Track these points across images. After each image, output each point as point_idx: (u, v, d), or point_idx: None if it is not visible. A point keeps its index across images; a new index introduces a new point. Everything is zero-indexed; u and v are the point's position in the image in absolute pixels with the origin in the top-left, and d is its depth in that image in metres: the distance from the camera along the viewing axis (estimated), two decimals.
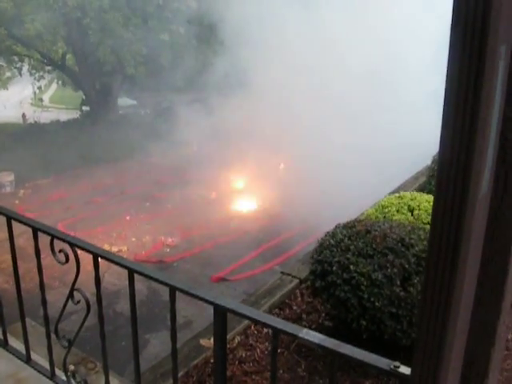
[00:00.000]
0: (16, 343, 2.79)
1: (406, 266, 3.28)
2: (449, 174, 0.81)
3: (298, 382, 3.48)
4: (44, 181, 11.86)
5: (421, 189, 6.86)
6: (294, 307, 4.49)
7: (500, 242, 0.88)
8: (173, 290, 1.79)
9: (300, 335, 1.48)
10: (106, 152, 13.92)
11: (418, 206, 4.66)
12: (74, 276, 2.13)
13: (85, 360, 3.27)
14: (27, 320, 2.63)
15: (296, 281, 4.86)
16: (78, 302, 2.13)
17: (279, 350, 3.63)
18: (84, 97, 19.12)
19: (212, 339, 3.75)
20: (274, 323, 1.57)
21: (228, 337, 3.75)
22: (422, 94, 10.43)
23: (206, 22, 14.67)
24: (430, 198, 4.83)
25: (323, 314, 4.24)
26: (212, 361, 3.64)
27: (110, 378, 2.30)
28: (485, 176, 0.81)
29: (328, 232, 3.91)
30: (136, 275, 1.94)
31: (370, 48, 11.41)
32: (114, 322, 5.62)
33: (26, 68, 18.57)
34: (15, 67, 17.96)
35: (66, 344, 2.27)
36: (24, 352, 2.60)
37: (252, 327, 4.09)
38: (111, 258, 2.00)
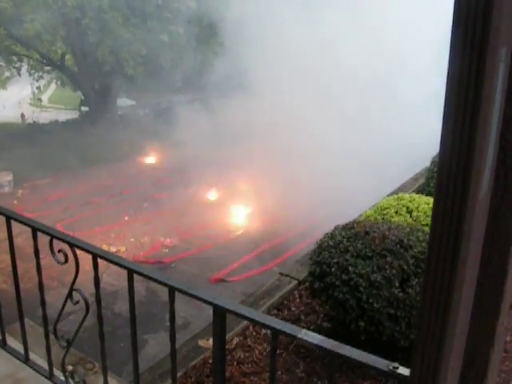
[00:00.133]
0: (14, 343, 2.79)
1: (405, 267, 3.28)
2: (449, 175, 0.81)
3: (297, 383, 3.48)
4: (43, 181, 11.84)
5: (420, 190, 6.87)
6: (293, 308, 4.49)
7: (500, 242, 0.88)
8: (172, 290, 1.79)
9: (299, 336, 1.48)
10: (105, 152, 13.92)
11: (417, 207, 4.66)
12: (72, 276, 2.13)
13: (83, 360, 3.27)
14: (26, 320, 2.63)
15: (295, 282, 4.86)
16: (77, 302, 2.13)
17: (278, 351, 3.63)
18: (83, 97, 19.13)
19: (210, 340, 3.76)
20: (273, 324, 1.57)
21: (226, 338, 3.75)
22: (423, 95, 10.44)
23: (206, 22, 14.69)
24: (429, 199, 4.84)
25: (322, 315, 4.24)
26: (210, 362, 3.64)
27: (109, 379, 2.29)
28: (485, 176, 0.81)
29: (327, 233, 3.91)
30: (135, 275, 1.94)
31: (369, 49, 11.42)
32: (113, 323, 5.61)
33: (25, 68, 18.56)
34: (14, 67, 17.94)
35: (65, 344, 2.27)
36: (22, 352, 2.60)
37: (250, 328, 4.09)
38: (110, 259, 2.00)
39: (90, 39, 14.41)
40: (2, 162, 11.81)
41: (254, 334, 4.04)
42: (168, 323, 1.90)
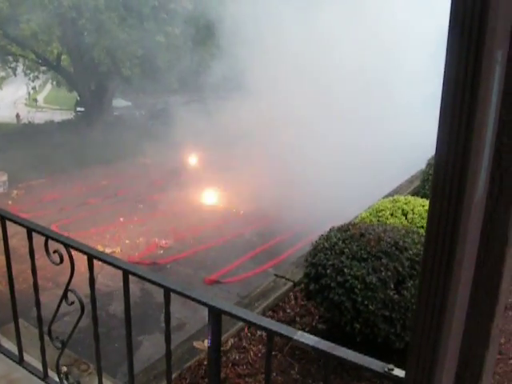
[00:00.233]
0: (8, 344, 2.77)
1: (400, 269, 3.28)
2: (445, 176, 0.81)
3: None
4: (37, 181, 11.81)
5: (415, 193, 6.88)
6: (288, 310, 4.49)
7: (495, 244, 0.88)
8: (167, 291, 1.78)
9: (295, 337, 1.48)
10: (100, 153, 13.90)
11: (412, 209, 4.68)
12: (67, 277, 2.12)
13: (78, 361, 3.26)
14: (20, 321, 2.61)
15: (290, 283, 4.86)
16: (72, 303, 2.12)
17: (273, 353, 3.63)
18: (78, 98, 19.10)
19: (205, 341, 3.75)
20: (268, 325, 1.57)
21: (221, 339, 3.75)
22: (420, 96, 10.46)
23: (202, 23, 14.69)
24: (424, 201, 4.85)
25: (317, 317, 4.24)
26: (205, 363, 3.63)
27: (103, 380, 2.29)
28: (481, 178, 0.82)
29: (322, 235, 3.91)
30: (130, 276, 1.93)
31: (367, 50, 11.44)
32: (107, 324, 5.60)
33: (20, 68, 18.52)
34: (10, 67, 17.91)
35: (60, 345, 2.26)
36: (17, 353, 2.58)
37: (245, 329, 4.08)
38: (106, 259, 1.99)
39: (86, 40, 14.40)
40: None
41: (249, 335, 4.04)
42: (163, 324, 1.90)
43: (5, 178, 11.37)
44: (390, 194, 6.59)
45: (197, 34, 15.02)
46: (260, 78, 11.56)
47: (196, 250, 8.12)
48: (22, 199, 10.74)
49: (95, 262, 2.04)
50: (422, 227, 4.36)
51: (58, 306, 2.19)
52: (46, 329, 2.36)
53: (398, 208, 4.71)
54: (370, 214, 4.77)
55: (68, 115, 20.80)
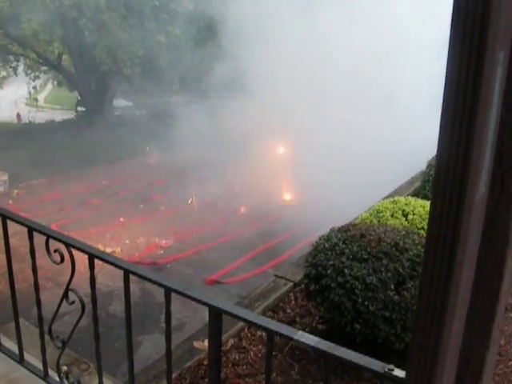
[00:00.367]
0: (9, 343, 2.78)
1: (400, 270, 3.29)
2: (446, 177, 0.82)
3: None
4: (38, 181, 11.81)
5: (415, 194, 6.89)
6: (288, 310, 4.50)
7: (496, 245, 0.89)
8: (168, 291, 1.78)
9: (295, 337, 1.48)
10: (101, 153, 13.89)
11: (413, 210, 4.68)
12: (67, 277, 2.12)
13: (78, 361, 3.26)
14: (20, 320, 2.62)
15: (290, 284, 4.86)
16: (73, 302, 2.13)
17: (273, 353, 3.63)
18: (79, 97, 19.10)
19: (205, 341, 3.75)
20: (268, 325, 1.57)
21: (221, 339, 3.75)
22: (422, 98, 10.45)
23: (203, 23, 14.70)
24: (425, 202, 4.86)
25: (317, 318, 4.25)
26: (205, 363, 3.63)
27: (103, 380, 2.29)
28: (482, 179, 0.82)
29: (323, 236, 3.91)
30: (130, 276, 1.93)
31: (369, 52, 11.44)
32: (107, 324, 5.59)
33: (21, 68, 18.52)
34: (11, 67, 17.91)
35: (60, 344, 2.27)
36: (17, 352, 2.59)
37: (245, 330, 4.08)
38: (106, 259, 2.00)
39: (87, 39, 14.39)
40: None
41: (249, 335, 4.04)
42: (163, 324, 1.90)
43: (5, 177, 11.37)
44: (391, 195, 6.60)
45: (198, 33, 15.02)
46: (261, 79, 11.56)
47: (196, 250, 8.12)
48: (23, 199, 10.74)
49: (96, 261, 2.04)
50: (423, 228, 4.37)
51: (59, 305, 2.20)
52: (46, 328, 2.36)
53: (399, 209, 4.71)
54: (371, 215, 4.77)
55: (69, 115, 20.78)
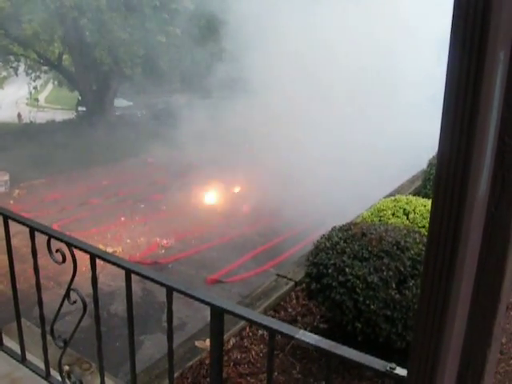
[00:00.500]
0: (11, 343, 2.78)
1: (402, 269, 3.29)
2: (447, 176, 0.82)
3: None
4: (39, 181, 11.82)
5: (416, 192, 6.89)
6: (289, 309, 4.50)
7: (497, 243, 0.89)
8: (170, 290, 1.79)
9: (296, 336, 1.48)
10: (102, 153, 13.91)
11: (414, 209, 4.68)
12: (68, 277, 2.13)
13: (79, 360, 3.26)
14: (22, 320, 2.62)
15: (291, 283, 4.87)
16: (75, 302, 2.13)
17: (274, 352, 3.63)
18: (80, 97, 19.10)
19: (207, 341, 3.75)
20: (270, 324, 1.58)
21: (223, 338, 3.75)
22: (423, 95, 10.45)
23: (203, 23, 14.70)
24: (426, 201, 4.85)
25: (318, 317, 4.25)
26: (207, 362, 3.64)
27: (105, 379, 2.29)
28: (483, 177, 0.82)
29: (324, 235, 3.92)
30: (132, 276, 1.94)
31: (371, 48, 11.42)
32: (108, 323, 5.60)
33: (22, 68, 18.53)
34: (11, 67, 17.92)
35: (62, 344, 2.27)
36: (19, 352, 2.59)
37: (247, 329, 4.09)
38: (108, 259, 2.00)
39: (87, 39, 14.39)
40: None
41: (251, 334, 4.04)
42: (164, 324, 1.90)
43: (6, 177, 11.38)
44: (392, 194, 6.60)
45: (198, 33, 15.02)
46: (262, 77, 11.55)
47: (198, 250, 8.12)
48: (24, 199, 10.75)
49: (97, 261, 2.05)
50: (424, 227, 4.37)
51: (61, 305, 2.20)
52: (47, 328, 2.37)
53: (400, 208, 4.71)
54: (372, 214, 4.77)
55: (69, 115, 20.79)
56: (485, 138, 0.79)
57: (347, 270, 3.36)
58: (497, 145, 0.83)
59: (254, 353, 3.81)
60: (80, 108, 19.81)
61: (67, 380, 2.36)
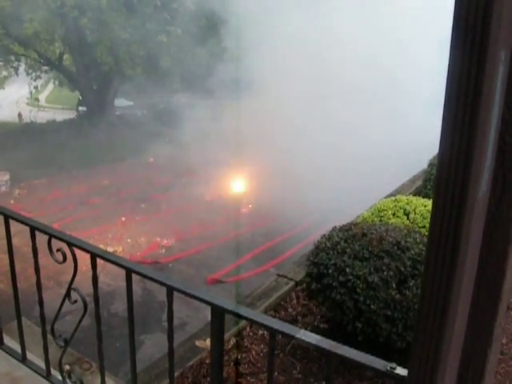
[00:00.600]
0: (11, 342, 2.78)
1: (402, 269, 3.29)
2: (448, 176, 0.82)
3: None
4: (40, 181, 11.82)
5: (417, 192, 6.89)
6: (290, 309, 4.50)
7: (497, 243, 0.89)
8: (170, 290, 1.79)
9: (297, 336, 1.48)
10: (102, 153, 13.91)
11: (414, 209, 4.68)
12: (68, 276, 2.13)
13: (80, 360, 3.26)
14: (22, 319, 2.62)
15: (292, 283, 4.87)
16: (75, 301, 2.13)
17: (275, 352, 3.63)
18: (80, 97, 19.10)
19: (207, 340, 3.76)
20: (271, 324, 1.58)
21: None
22: (427, 94, 10.42)
23: (204, 23, 14.71)
24: (426, 201, 4.85)
25: (319, 317, 4.25)
26: (207, 362, 3.64)
27: (106, 379, 2.29)
28: (483, 178, 0.82)
29: (324, 235, 3.92)
30: (133, 275, 1.94)
31: (375, 49, 11.39)
32: (109, 323, 5.61)
33: (22, 67, 18.52)
34: (12, 66, 17.90)
35: (62, 344, 2.27)
36: (19, 351, 2.59)
37: (247, 329, 4.09)
38: (109, 258, 2.00)
39: (88, 39, 14.40)
40: None
41: (251, 334, 4.04)
42: (164, 324, 1.91)
43: (7, 177, 11.39)
44: (392, 194, 6.60)
45: (199, 33, 15.02)
46: (263, 76, 11.54)
47: (198, 249, 8.13)
48: (24, 198, 10.75)
49: (97, 260, 2.05)
50: (424, 227, 4.37)
51: (61, 304, 2.20)
52: (48, 327, 2.37)
53: (400, 208, 4.71)
54: (372, 214, 4.77)
55: (70, 115, 20.80)
56: (485, 138, 0.79)
57: (348, 269, 3.36)
58: (497, 144, 0.83)
59: (254, 353, 3.81)
60: (81, 108, 19.80)
61: (68, 379, 2.36)
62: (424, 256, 0.94)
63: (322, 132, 10.57)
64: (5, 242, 2.42)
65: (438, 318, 0.92)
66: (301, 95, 11.47)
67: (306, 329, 3.93)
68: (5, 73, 18.82)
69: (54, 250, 2.12)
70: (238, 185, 11.35)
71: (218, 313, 1.67)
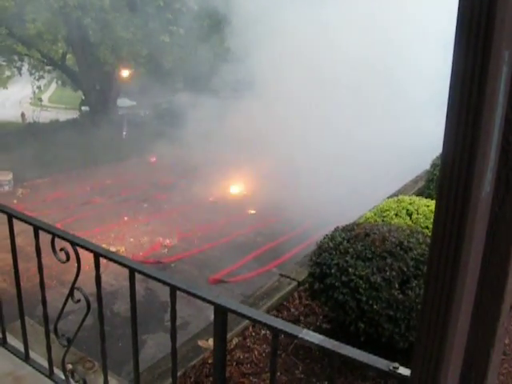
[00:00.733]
0: (14, 341, 2.79)
1: (405, 269, 3.29)
2: (451, 176, 0.82)
3: None
4: (42, 180, 11.84)
5: (420, 193, 6.88)
6: (292, 309, 4.50)
7: (501, 243, 0.89)
8: (173, 289, 1.79)
9: (300, 336, 1.48)
10: (105, 152, 13.93)
11: (417, 210, 4.67)
12: (71, 275, 2.13)
13: (83, 359, 3.27)
14: (26, 319, 2.63)
15: (294, 283, 4.87)
16: (78, 300, 2.13)
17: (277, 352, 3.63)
18: (83, 97, 19.13)
19: (210, 340, 3.76)
20: (274, 323, 1.58)
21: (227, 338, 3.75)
22: (430, 93, 10.41)
23: (207, 23, 14.72)
24: (429, 202, 4.85)
25: (321, 317, 4.25)
26: (210, 362, 3.64)
27: (108, 378, 2.30)
28: (487, 178, 0.82)
29: (327, 235, 3.92)
30: (136, 275, 1.94)
31: (380, 48, 11.37)
32: (111, 323, 5.60)
33: (25, 67, 18.56)
34: (15, 66, 17.94)
35: (65, 343, 2.28)
36: (23, 350, 2.60)
37: (250, 329, 4.09)
38: (112, 257, 2.00)
39: (91, 39, 14.42)
40: (1, 161, 11.80)
41: (254, 334, 4.05)
42: (167, 323, 1.91)
43: (10, 176, 11.41)
44: (395, 194, 6.59)
45: (202, 33, 15.03)
46: (266, 75, 11.54)
47: (200, 249, 8.13)
48: (27, 198, 10.78)
49: (100, 260, 2.05)
50: (427, 227, 4.36)
51: (64, 303, 2.20)
52: (51, 327, 2.37)
53: (403, 208, 4.71)
54: (375, 214, 4.77)
55: (73, 114, 20.84)
56: (489, 138, 0.79)
57: (350, 270, 3.36)
58: (501, 145, 0.83)
59: (256, 353, 3.81)
60: (83, 107, 19.84)
61: (71, 379, 2.36)
62: (427, 256, 0.94)
63: (320, 133, 10.57)
64: (8, 241, 2.43)
65: (440, 318, 0.92)
66: (302, 97, 11.46)
67: (308, 329, 3.93)
68: (8, 73, 18.87)
69: (58, 249, 2.13)
70: (240, 185, 11.36)
71: (221, 312, 1.67)
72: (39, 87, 19.83)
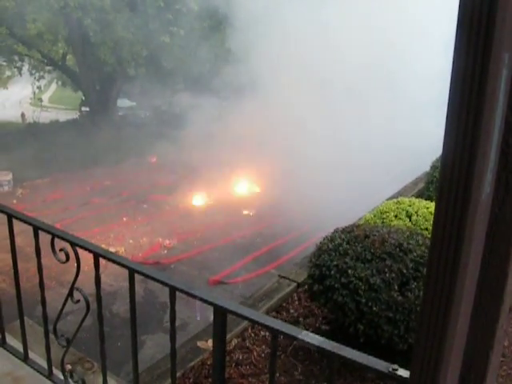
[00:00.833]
0: (13, 342, 2.79)
1: (404, 271, 3.29)
2: (451, 178, 0.82)
3: None
4: (42, 181, 11.84)
5: (419, 194, 6.89)
6: (291, 311, 4.50)
7: (500, 244, 0.89)
8: (173, 290, 1.79)
9: (299, 337, 1.48)
10: (105, 153, 13.93)
11: (416, 211, 4.67)
12: (70, 276, 2.13)
13: (82, 360, 3.27)
14: (25, 319, 2.63)
15: (293, 284, 4.87)
16: (78, 301, 2.13)
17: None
18: (83, 97, 19.13)
19: (209, 341, 3.76)
20: (273, 324, 1.58)
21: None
22: (430, 95, 10.40)
23: (207, 24, 14.73)
24: (429, 204, 4.85)
25: (320, 318, 4.25)
26: (209, 363, 3.64)
27: (107, 379, 2.29)
28: (486, 180, 0.82)
29: (326, 236, 3.92)
30: (136, 276, 1.94)
31: (379, 50, 11.37)
32: (110, 323, 5.60)
33: (26, 67, 18.56)
34: (15, 67, 17.94)
35: (65, 343, 2.27)
36: (22, 350, 2.60)
37: (249, 330, 4.09)
38: (112, 258, 2.00)
39: (91, 39, 14.43)
40: (1, 161, 11.80)
41: (253, 335, 4.05)
42: (166, 324, 1.91)
43: (10, 176, 11.41)
44: (395, 196, 6.60)
45: (202, 34, 15.04)
46: (266, 79, 11.55)
47: (200, 251, 8.13)
48: (27, 198, 10.77)
49: (99, 261, 2.05)
50: (427, 229, 4.37)
51: (64, 304, 2.20)
52: (50, 327, 2.37)
53: (403, 210, 4.71)
54: (375, 216, 4.77)
55: (73, 115, 20.83)
56: (489, 140, 0.79)
57: (350, 271, 3.36)
58: (501, 147, 0.83)
59: (255, 354, 3.81)
60: (83, 108, 19.83)
61: (70, 379, 2.36)
62: (426, 258, 0.94)
63: (320, 134, 10.57)
64: (8, 241, 2.43)
65: (440, 319, 0.92)
66: (301, 98, 11.46)
67: (307, 330, 3.93)
68: (8, 73, 18.88)
69: (57, 249, 2.13)
70: (240, 186, 11.36)
71: (221, 313, 1.67)
72: (39, 87, 19.82)
